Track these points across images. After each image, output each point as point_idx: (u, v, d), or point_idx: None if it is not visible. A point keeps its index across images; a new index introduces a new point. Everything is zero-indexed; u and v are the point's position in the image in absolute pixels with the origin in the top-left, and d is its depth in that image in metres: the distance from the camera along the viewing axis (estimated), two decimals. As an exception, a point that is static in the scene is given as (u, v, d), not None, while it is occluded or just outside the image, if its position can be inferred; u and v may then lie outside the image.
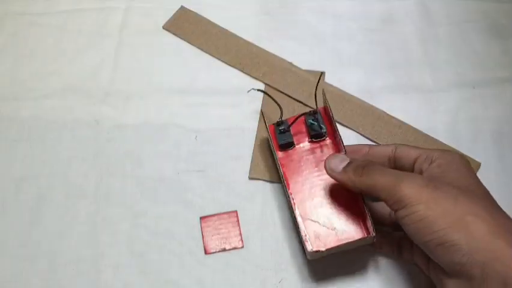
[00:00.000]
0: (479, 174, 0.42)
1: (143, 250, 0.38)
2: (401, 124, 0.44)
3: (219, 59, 0.48)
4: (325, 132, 0.38)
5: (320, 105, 0.40)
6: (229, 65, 0.48)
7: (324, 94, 0.39)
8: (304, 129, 0.39)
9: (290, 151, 0.39)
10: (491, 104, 0.46)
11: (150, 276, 0.37)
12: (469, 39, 0.50)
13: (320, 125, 0.38)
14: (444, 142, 0.43)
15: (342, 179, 0.32)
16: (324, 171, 0.34)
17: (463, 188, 0.29)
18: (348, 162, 0.32)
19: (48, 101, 0.45)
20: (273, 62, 0.48)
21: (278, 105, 0.39)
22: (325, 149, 0.38)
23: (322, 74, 0.41)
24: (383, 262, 0.37)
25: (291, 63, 0.48)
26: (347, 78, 0.47)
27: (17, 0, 0.52)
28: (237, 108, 0.44)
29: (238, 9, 0.52)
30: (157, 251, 0.38)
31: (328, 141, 0.39)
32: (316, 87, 0.39)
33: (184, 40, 0.50)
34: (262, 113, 0.42)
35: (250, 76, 0.47)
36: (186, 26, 0.50)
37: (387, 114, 0.45)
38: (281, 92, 0.46)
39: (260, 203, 0.40)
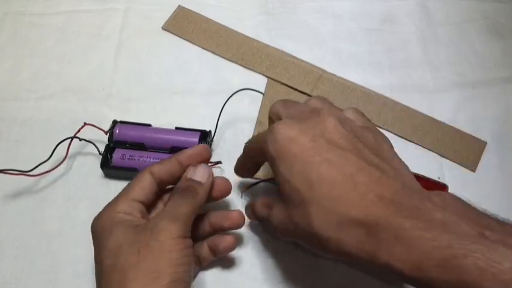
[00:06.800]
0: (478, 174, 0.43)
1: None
2: (406, 109, 0.45)
3: (220, 56, 0.48)
4: None
5: None
6: (232, 61, 0.48)
7: None
8: None
9: None
10: (491, 104, 0.46)
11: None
12: (469, 39, 0.50)
13: None
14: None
15: None
16: None
17: None
18: None
19: (48, 101, 0.45)
20: (274, 55, 0.48)
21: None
22: None
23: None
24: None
25: (293, 56, 0.48)
26: (347, 78, 0.47)
27: (17, 0, 0.52)
28: (238, 108, 0.44)
29: (238, 9, 0.52)
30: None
31: None
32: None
33: (184, 39, 0.50)
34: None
35: (254, 71, 0.47)
36: (185, 25, 0.50)
37: (392, 100, 0.46)
38: (285, 84, 0.46)
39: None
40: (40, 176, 0.39)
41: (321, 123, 0.29)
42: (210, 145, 0.42)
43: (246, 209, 0.36)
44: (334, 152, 0.27)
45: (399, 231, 0.23)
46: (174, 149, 0.40)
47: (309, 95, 0.46)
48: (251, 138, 0.35)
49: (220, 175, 0.41)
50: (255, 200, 0.34)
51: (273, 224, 0.31)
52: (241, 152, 0.36)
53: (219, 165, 0.41)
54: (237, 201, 0.40)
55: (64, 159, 0.40)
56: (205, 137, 0.41)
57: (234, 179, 0.41)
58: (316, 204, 0.26)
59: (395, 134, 0.44)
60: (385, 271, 0.24)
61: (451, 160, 0.43)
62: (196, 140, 0.40)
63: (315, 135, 0.28)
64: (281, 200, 0.29)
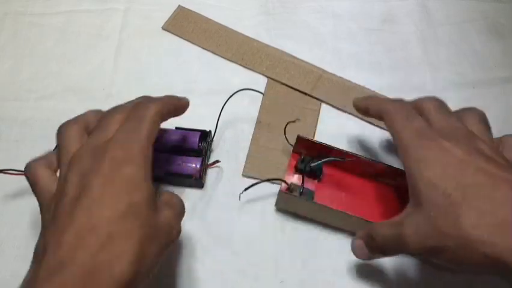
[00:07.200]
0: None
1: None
2: None
3: (220, 56, 0.49)
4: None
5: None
6: (232, 61, 0.48)
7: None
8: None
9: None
10: (491, 104, 0.46)
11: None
12: (469, 39, 0.50)
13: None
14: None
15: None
16: None
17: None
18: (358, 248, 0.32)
19: (49, 101, 0.45)
20: (274, 55, 0.48)
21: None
22: None
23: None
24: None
25: (293, 56, 0.48)
26: (347, 78, 0.47)
27: (17, 0, 0.52)
28: (238, 108, 0.44)
29: (238, 9, 0.52)
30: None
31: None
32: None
33: (184, 39, 0.50)
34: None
35: (254, 71, 0.47)
36: (185, 25, 0.50)
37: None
38: (285, 84, 0.46)
39: (260, 203, 0.40)
40: (40, 176, 0.39)
41: (475, 144, 0.28)
42: (210, 145, 0.42)
43: (357, 247, 0.32)
44: (491, 164, 0.27)
45: None
46: (174, 149, 0.40)
47: (309, 95, 0.46)
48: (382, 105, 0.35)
49: (220, 175, 0.41)
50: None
51: (406, 241, 0.27)
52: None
53: (217, 164, 0.41)
54: (235, 202, 0.40)
55: (64, 159, 0.40)
56: (205, 137, 0.41)
57: (232, 182, 0.41)
58: (468, 206, 0.25)
59: (395, 134, 0.44)
60: None
61: (451, 160, 0.43)
62: (196, 140, 0.40)
63: (471, 151, 0.28)
64: (416, 210, 0.28)
